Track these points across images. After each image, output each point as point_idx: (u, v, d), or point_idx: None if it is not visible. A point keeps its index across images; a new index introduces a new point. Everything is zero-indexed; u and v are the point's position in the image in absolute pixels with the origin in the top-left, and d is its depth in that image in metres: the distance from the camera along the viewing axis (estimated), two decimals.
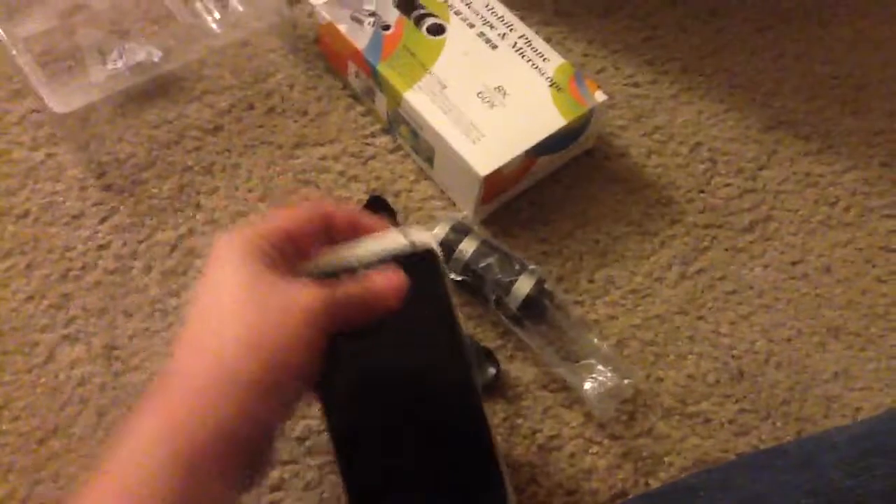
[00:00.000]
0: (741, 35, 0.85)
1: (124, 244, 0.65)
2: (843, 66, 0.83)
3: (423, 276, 0.43)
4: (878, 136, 0.79)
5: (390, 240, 0.43)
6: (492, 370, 0.61)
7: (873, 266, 0.71)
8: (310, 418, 0.59)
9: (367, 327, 0.41)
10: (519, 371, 0.63)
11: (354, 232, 0.44)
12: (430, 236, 0.44)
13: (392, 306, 0.41)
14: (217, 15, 0.72)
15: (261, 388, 0.37)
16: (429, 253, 0.43)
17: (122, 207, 0.67)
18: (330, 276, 0.42)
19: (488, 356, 0.62)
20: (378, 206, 0.68)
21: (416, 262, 0.43)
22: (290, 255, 0.42)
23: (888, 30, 0.87)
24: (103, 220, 0.66)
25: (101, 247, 0.65)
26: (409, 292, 0.41)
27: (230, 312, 0.38)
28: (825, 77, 0.82)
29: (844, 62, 0.84)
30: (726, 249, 0.71)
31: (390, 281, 0.42)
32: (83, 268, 0.64)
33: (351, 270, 0.42)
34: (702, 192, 0.73)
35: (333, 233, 0.44)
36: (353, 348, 0.40)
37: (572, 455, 0.60)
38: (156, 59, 0.69)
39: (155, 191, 0.68)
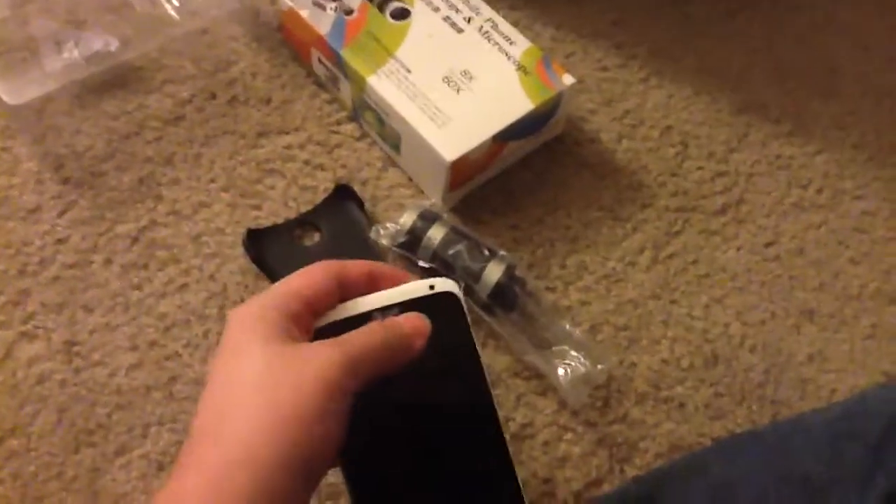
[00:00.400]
0: (710, 19, 0.84)
1: (83, 238, 0.64)
2: (812, 51, 0.83)
3: (443, 319, 0.41)
4: (849, 118, 0.78)
5: (409, 286, 0.42)
6: None
7: (846, 247, 0.71)
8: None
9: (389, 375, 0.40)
10: (491, 359, 0.62)
11: (371, 284, 0.43)
12: (451, 283, 0.43)
13: (416, 348, 0.40)
14: (176, 2, 0.70)
15: (283, 466, 0.35)
16: (448, 296, 0.42)
17: (80, 200, 0.65)
18: (347, 327, 0.40)
19: None
20: (345, 194, 0.67)
21: (435, 306, 0.42)
22: (307, 318, 0.40)
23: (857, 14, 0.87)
24: (62, 214, 0.65)
25: (59, 241, 0.63)
26: (431, 336, 0.40)
27: (243, 395, 0.37)
28: (794, 61, 0.82)
29: (814, 46, 0.83)
30: (699, 233, 0.70)
31: (412, 322, 0.41)
32: (41, 262, 0.62)
33: (370, 320, 0.41)
34: (673, 175, 0.73)
35: (348, 288, 0.42)
36: (372, 392, 0.39)
37: (546, 443, 0.59)
38: (113, 49, 0.68)
39: (114, 183, 0.66)
